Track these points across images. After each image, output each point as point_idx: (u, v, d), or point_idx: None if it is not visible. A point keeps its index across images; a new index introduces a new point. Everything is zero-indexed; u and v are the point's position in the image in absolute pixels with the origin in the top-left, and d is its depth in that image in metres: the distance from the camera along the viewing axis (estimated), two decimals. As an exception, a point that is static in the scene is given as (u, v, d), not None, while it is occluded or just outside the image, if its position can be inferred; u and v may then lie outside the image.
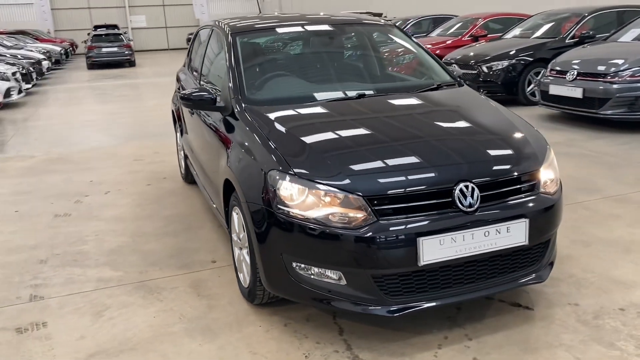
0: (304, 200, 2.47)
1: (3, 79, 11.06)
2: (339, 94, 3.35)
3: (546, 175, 2.77)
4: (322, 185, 2.47)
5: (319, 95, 3.30)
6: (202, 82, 4.15)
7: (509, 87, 8.93)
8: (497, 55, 9.04)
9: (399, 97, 3.33)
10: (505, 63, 8.90)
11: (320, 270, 2.51)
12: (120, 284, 3.37)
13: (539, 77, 8.15)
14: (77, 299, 3.20)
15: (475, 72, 9.06)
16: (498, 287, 2.64)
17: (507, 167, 2.67)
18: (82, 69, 22.49)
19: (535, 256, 2.73)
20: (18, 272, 3.58)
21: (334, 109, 3.16)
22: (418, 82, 3.66)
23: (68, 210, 4.79)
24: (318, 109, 3.15)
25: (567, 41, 8.96)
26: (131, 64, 22.43)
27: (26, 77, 13.25)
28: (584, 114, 7.13)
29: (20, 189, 5.55)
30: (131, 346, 2.71)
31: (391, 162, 2.58)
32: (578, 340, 2.61)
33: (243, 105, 3.17)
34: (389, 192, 2.45)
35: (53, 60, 21.12)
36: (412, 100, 3.29)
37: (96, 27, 28.72)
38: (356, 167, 2.54)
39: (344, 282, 2.49)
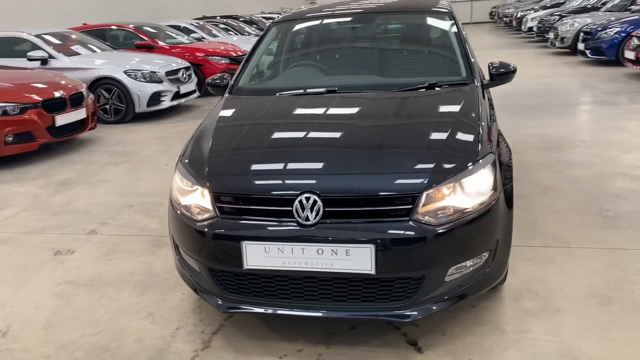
0: (179, 187, 2.68)
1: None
2: (318, 88, 3.28)
3: (442, 202, 2.34)
4: (190, 177, 2.63)
5: (294, 88, 3.32)
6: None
7: None
8: None
9: (366, 96, 3.12)
10: None
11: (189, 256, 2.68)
12: (148, 234, 4.06)
13: None
14: (110, 239, 4.01)
15: None
16: (346, 312, 2.41)
17: (368, 185, 2.35)
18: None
19: (400, 291, 2.36)
20: (111, 214, 4.59)
21: (287, 103, 3.17)
22: (414, 79, 3.24)
23: (196, 169, 5.71)
24: (271, 103, 3.21)
25: None
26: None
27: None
28: None
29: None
30: (92, 283, 3.36)
31: (257, 165, 2.58)
32: (418, 398, 2.22)
33: (226, 94, 3.43)
34: (232, 192, 2.47)
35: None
36: (371, 101, 3.04)
37: None
38: (222, 167, 2.62)
39: (197, 270, 2.63)
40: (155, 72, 8.50)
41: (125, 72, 8.30)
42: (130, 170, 5.87)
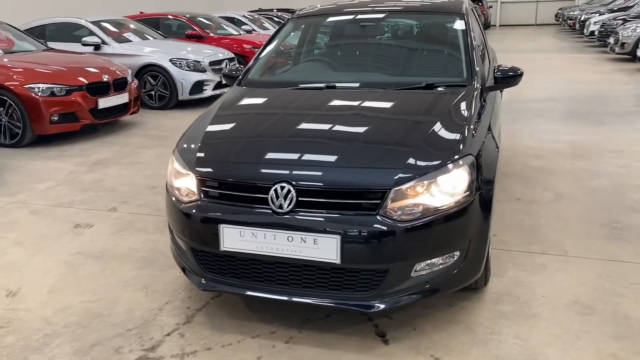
0: (173, 170, 2.85)
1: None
2: (319, 83, 3.38)
3: (412, 200, 2.40)
4: (183, 162, 2.79)
5: (297, 83, 3.45)
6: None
7: None
8: None
9: (360, 93, 3.21)
10: None
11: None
12: (162, 215, 4.26)
13: None
14: (127, 217, 4.25)
15: None
16: (314, 299, 2.50)
17: (339, 178, 2.44)
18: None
19: (365, 282, 2.44)
20: (133, 193, 4.84)
21: (283, 96, 3.30)
22: (413, 79, 3.28)
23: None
24: (269, 96, 3.35)
25: None
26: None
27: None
28: None
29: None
30: (100, 255, 3.59)
31: (240, 154, 2.72)
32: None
33: (235, 85, 3.58)
34: (215, 178, 2.62)
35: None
36: (363, 98, 3.12)
37: None
38: (209, 153, 2.76)
39: (184, 249, 2.79)
40: (199, 62, 8.80)
41: (170, 60, 8.63)
42: (162, 154, 6.14)
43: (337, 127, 2.81)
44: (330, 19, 4.07)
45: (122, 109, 7.28)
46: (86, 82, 6.72)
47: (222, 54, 9.45)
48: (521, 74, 3.36)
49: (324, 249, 2.38)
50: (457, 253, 2.54)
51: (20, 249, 3.72)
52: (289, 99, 3.23)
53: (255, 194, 2.51)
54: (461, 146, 2.60)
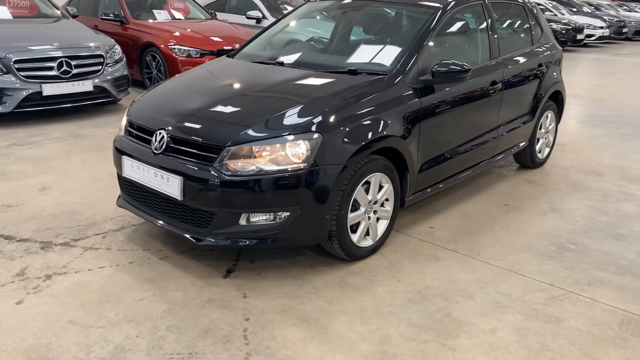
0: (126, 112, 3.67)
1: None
2: (273, 60, 3.89)
3: (247, 159, 2.84)
4: (129, 105, 3.61)
5: (259, 57, 4.00)
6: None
7: None
8: None
9: (301, 71, 3.59)
10: None
11: None
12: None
13: None
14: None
15: None
16: (171, 227, 3.11)
17: (193, 131, 2.99)
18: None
19: (201, 220, 2.96)
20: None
21: (232, 66, 3.93)
22: (343, 64, 3.58)
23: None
24: (224, 64, 4.01)
25: None
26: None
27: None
28: None
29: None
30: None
31: (151, 103, 3.45)
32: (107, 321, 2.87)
33: (223, 56, 4.26)
34: (130, 119, 3.37)
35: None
36: (287, 75, 3.54)
37: None
38: (139, 102, 3.52)
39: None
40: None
41: (310, 37, 9.49)
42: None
43: (229, 93, 3.36)
44: (327, 4, 4.46)
45: (249, 75, 8.37)
46: (219, 48, 7.94)
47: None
48: (464, 71, 3.38)
49: (172, 186, 2.98)
50: (286, 214, 2.90)
51: (80, 163, 4.95)
52: (230, 68, 3.82)
53: (146, 136, 3.20)
54: (309, 123, 2.91)
